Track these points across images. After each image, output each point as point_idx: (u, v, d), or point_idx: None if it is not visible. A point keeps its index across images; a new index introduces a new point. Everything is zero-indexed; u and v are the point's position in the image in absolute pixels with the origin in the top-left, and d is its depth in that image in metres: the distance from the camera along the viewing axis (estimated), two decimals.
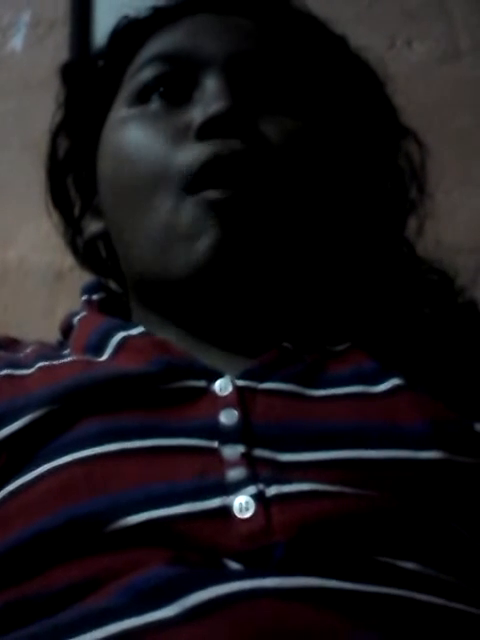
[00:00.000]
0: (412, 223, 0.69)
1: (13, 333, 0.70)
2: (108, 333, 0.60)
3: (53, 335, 0.69)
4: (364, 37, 0.71)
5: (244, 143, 0.57)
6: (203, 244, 0.56)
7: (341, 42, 0.69)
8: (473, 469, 0.51)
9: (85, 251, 0.73)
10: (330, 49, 0.68)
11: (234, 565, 0.44)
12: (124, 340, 0.59)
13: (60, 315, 0.70)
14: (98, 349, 0.60)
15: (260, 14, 0.65)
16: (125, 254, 0.64)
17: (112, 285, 0.72)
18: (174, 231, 0.57)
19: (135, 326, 0.61)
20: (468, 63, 1.15)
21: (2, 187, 1.17)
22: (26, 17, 1.25)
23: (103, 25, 1.10)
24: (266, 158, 0.58)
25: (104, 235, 0.68)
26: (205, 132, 0.58)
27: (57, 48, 1.20)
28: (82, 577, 0.44)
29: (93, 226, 0.70)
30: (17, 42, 1.24)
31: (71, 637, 0.40)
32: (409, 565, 0.45)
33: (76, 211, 0.72)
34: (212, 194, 0.56)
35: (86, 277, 0.74)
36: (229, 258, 0.56)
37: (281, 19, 0.66)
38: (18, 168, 1.13)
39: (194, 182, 0.57)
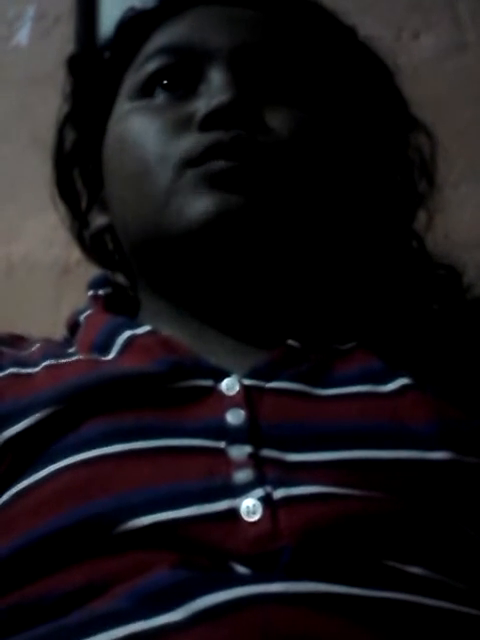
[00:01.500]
0: (421, 217, 0.69)
1: (19, 328, 0.70)
2: (114, 332, 0.60)
3: (59, 330, 0.69)
4: (371, 29, 0.71)
5: (248, 133, 0.57)
6: (202, 203, 0.56)
7: (350, 32, 0.69)
8: None
9: (92, 244, 0.73)
10: (338, 40, 0.67)
11: (241, 569, 0.43)
12: (130, 339, 0.59)
13: (66, 310, 0.69)
14: (104, 348, 0.59)
15: (267, 5, 0.65)
16: (126, 229, 0.63)
17: (119, 279, 0.72)
18: (173, 196, 0.57)
19: (141, 324, 0.61)
20: (474, 55, 1.15)
21: (8, 181, 1.17)
22: (31, 11, 1.25)
23: (109, 19, 1.09)
24: (270, 148, 0.58)
25: (111, 228, 0.68)
26: (208, 123, 0.57)
27: (63, 42, 1.19)
28: (88, 580, 0.44)
29: (100, 219, 0.69)
30: (23, 36, 1.23)
31: None
32: (417, 570, 0.44)
33: (83, 204, 0.72)
34: (214, 165, 0.56)
35: (92, 272, 0.74)
36: (228, 220, 0.56)
37: (288, 10, 0.65)
38: (24, 162, 1.13)
39: (195, 160, 0.57)
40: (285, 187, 0.58)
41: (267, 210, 0.57)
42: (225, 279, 0.59)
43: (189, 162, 0.57)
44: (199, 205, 0.56)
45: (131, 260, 0.66)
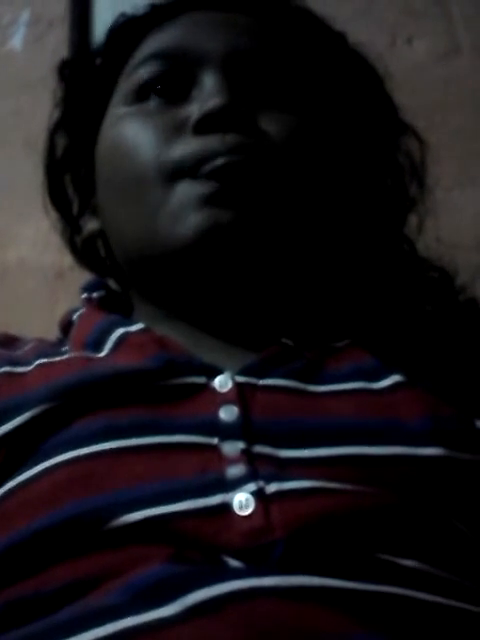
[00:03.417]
0: (412, 220, 0.69)
1: (13, 332, 0.70)
2: (107, 329, 0.60)
3: (53, 334, 0.69)
4: (364, 34, 0.71)
5: (242, 138, 0.57)
6: (194, 218, 0.56)
7: (340, 38, 0.69)
8: (473, 466, 0.51)
9: (83, 249, 0.73)
10: (329, 45, 0.67)
11: (234, 563, 0.44)
12: (123, 336, 0.59)
13: (60, 314, 0.69)
14: (97, 345, 0.60)
15: (259, 11, 0.65)
16: (120, 243, 0.63)
17: (111, 284, 0.72)
18: (165, 209, 0.57)
19: (135, 322, 0.61)
20: (468, 61, 1.15)
21: (2, 185, 1.16)
22: (25, 16, 1.25)
23: (102, 24, 1.09)
24: (265, 152, 0.58)
25: (102, 233, 0.68)
26: (202, 127, 0.57)
27: (56, 47, 1.19)
28: (81, 575, 0.44)
29: (91, 224, 0.69)
30: (16, 41, 1.23)
31: (70, 636, 0.40)
32: (409, 563, 0.45)
33: (75, 209, 0.72)
34: (207, 185, 0.56)
35: (86, 276, 0.74)
36: (219, 236, 0.56)
37: (280, 15, 0.66)
38: (18, 167, 1.13)
39: (188, 171, 0.57)
40: (279, 195, 0.58)
41: (261, 221, 0.57)
42: (218, 289, 0.60)
43: (183, 171, 0.57)
44: (192, 220, 0.56)
45: (123, 268, 0.66)
